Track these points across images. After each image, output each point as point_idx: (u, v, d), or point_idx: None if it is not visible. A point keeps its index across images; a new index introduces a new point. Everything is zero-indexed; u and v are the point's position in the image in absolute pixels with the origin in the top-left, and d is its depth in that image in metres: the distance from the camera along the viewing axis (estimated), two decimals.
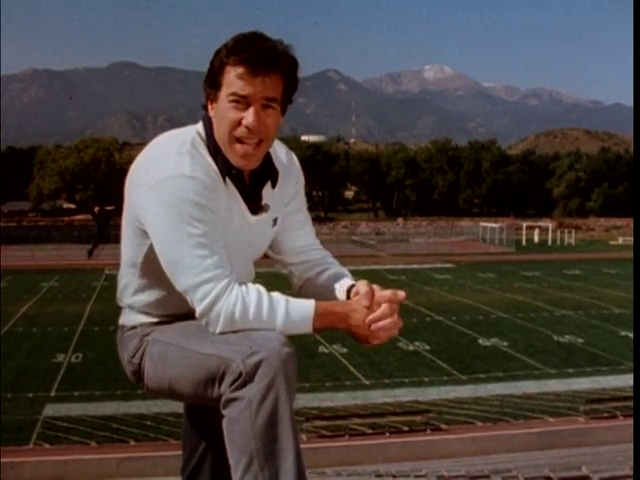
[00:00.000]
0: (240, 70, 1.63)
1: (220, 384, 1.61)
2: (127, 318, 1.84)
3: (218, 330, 1.64)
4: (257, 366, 1.56)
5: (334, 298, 1.82)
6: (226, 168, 1.71)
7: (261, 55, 1.62)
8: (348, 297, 1.79)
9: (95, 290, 33.84)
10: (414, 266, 44.78)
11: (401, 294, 1.73)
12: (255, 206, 1.78)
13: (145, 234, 1.70)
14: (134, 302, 1.82)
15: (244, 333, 1.62)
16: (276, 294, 1.67)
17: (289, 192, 1.89)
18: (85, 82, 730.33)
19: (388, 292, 1.73)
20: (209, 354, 1.63)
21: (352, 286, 1.79)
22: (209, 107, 1.72)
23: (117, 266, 1.90)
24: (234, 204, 1.74)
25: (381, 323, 1.69)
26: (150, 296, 1.80)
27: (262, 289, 1.67)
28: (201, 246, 1.62)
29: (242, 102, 1.64)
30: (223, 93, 1.66)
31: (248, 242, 1.81)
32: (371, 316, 1.70)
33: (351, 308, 1.70)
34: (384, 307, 1.70)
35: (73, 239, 60.68)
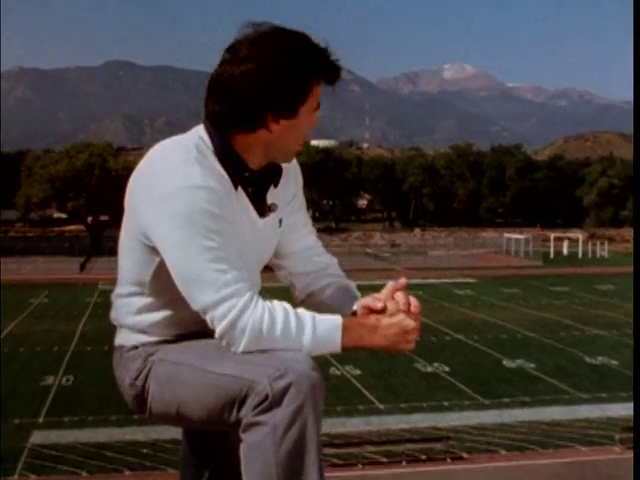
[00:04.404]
0: (324, 81, 1.71)
1: (240, 407, 1.61)
2: (126, 337, 1.83)
3: (241, 348, 1.63)
4: (285, 390, 1.55)
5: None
6: (239, 172, 1.73)
7: (338, 67, 1.71)
8: None
9: (88, 307, 33.91)
10: (432, 280, 44.65)
11: (401, 281, 1.78)
12: (262, 208, 1.79)
13: (153, 250, 1.70)
14: (136, 322, 1.81)
15: (269, 353, 1.62)
16: (301, 310, 1.67)
17: (290, 191, 1.90)
18: (77, 82, 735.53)
19: (388, 286, 1.77)
20: (229, 374, 1.63)
21: (355, 312, 1.80)
22: (272, 124, 1.69)
23: (112, 281, 1.91)
24: (244, 209, 1.75)
25: (413, 304, 1.72)
26: (155, 316, 1.80)
27: (287, 304, 1.67)
28: (219, 260, 1.62)
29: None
30: (307, 106, 1.70)
31: (257, 248, 1.82)
32: (400, 302, 1.72)
33: (377, 316, 1.71)
34: (398, 295, 1.74)
35: (64, 251, 60.92)
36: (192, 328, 1.77)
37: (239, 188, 1.73)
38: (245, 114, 1.67)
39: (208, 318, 1.64)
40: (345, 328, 1.66)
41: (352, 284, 1.94)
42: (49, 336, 27.38)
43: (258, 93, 1.64)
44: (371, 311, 1.74)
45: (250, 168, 1.74)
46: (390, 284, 1.77)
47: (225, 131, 1.72)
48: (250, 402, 1.58)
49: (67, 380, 21.33)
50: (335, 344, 1.65)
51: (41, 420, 17.56)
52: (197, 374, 1.69)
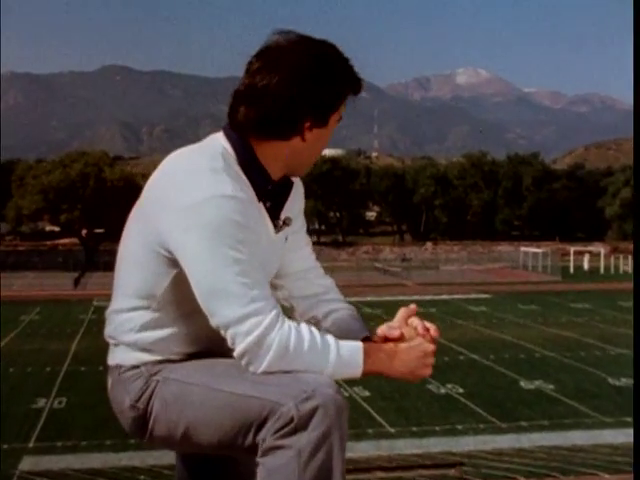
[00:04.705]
0: (351, 92, 1.79)
1: (258, 430, 1.62)
2: (125, 356, 1.82)
3: (263, 368, 1.64)
4: (312, 413, 1.57)
5: None
6: (263, 183, 1.77)
7: (361, 78, 1.80)
8: None
9: (82, 324, 33.91)
10: (445, 297, 44.57)
11: (412, 306, 1.84)
12: (277, 222, 1.84)
13: (171, 262, 1.71)
14: (138, 339, 1.80)
15: (292, 375, 1.64)
16: (324, 332, 1.71)
17: (297, 207, 1.95)
18: (71, 88, 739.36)
19: (400, 313, 1.83)
20: (249, 395, 1.64)
21: (366, 338, 1.82)
22: (307, 132, 1.75)
23: (107, 297, 1.90)
24: (263, 223, 1.79)
25: (431, 329, 1.78)
26: (160, 332, 1.80)
27: (311, 325, 1.70)
28: (247, 274, 1.64)
29: None
30: (336, 116, 1.78)
31: (270, 264, 1.86)
32: (418, 327, 1.78)
33: (394, 343, 1.76)
34: (412, 321, 1.80)
35: (57, 266, 61.06)
36: (198, 346, 1.79)
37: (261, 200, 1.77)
38: (283, 121, 1.72)
39: (230, 334, 1.65)
40: (366, 353, 1.69)
41: (355, 311, 1.98)
42: (41, 355, 27.36)
43: (299, 100, 1.70)
44: (387, 339, 1.78)
45: (272, 179, 1.78)
46: (401, 311, 1.82)
47: (251, 139, 1.76)
48: (272, 424, 1.60)
49: (59, 402, 21.31)
50: (357, 368, 1.69)
51: (31, 445, 17.52)
52: (210, 394, 1.70)
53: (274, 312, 1.64)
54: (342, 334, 1.83)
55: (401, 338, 1.76)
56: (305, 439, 1.56)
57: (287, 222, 1.86)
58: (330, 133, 1.81)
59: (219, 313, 1.65)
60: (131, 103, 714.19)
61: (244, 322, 1.62)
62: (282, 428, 1.58)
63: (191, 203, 1.63)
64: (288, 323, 1.65)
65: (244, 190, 1.70)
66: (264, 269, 1.76)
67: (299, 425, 1.57)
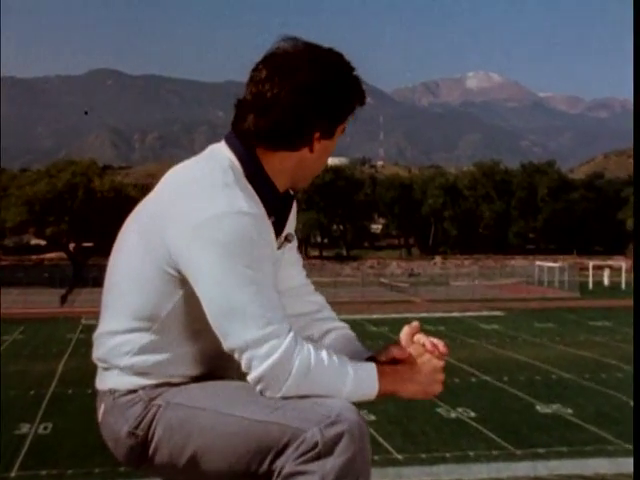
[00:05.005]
0: (359, 105, 1.84)
1: (277, 457, 1.63)
2: (120, 380, 1.81)
3: (282, 393, 1.65)
4: (338, 439, 1.59)
5: None
6: (272, 197, 1.79)
7: (364, 90, 1.85)
8: None
9: (69, 344, 33.88)
10: (455, 314, 44.54)
11: (415, 324, 1.87)
12: (280, 238, 1.87)
13: (178, 282, 1.71)
14: (136, 362, 1.79)
15: (311, 399, 1.65)
16: (339, 353, 1.73)
17: (293, 223, 1.98)
18: (58, 93, 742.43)
19: (404, 332, 1.86)
20: (268, 421, 1.64)
21: (370, 358, 1.85)
22: (316, 143, 1.79)
23: (97, 314, 1.89)
24: (272, 240, 1.81)
25: (441, 346, 1.82)
26: (161, 355, 1.79)
27: (327, 348, 1.72)
28: (264, 293, 1.65)
29: None
30: (342, 127, 1.84)
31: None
32: (426, 343, 1.82)
33: (408, 361, 1.80)
34: (418, 338, 1.83)
35: (43, 282, 61.10)
36: (201, 369, 1.81)
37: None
38: (294, 131, 1.75)
39: (246, 358, 1.65)
40: (380, 373, 1.72)
41: (352, 333, 2.02)
42: (25, 378, 27.33)
43: (310, 110, 1.74)
44: (393, 359, 1.81)
45: (280, 193, 1.81)
46: (405, 329, 1.85)
47: (258, 150, 1.78)
48: (293, 450, 1.61)
49: (45, 428, 21.26)
50: (373, 390, 1.71)
51: (14, 474, 17.46)
52: (220, 419, 1.70)
53: (292, 334, 1.65)
54: (344, 355, 1.85)
55: (409, 357, 1.80)
56: (330, 465, 1.58)
57: (289, 238, 1.90)
58: (335, 145, 1.85)
59: (234, 335, 1.65)
60: (122, 109, 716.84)
61: (262, 345, 1.63)
62: (305, 453, 1.60)
63: (205, 219, 1.63)
64: (307, 345, 1.66)
65: (259, 206, 1.72)
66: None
67: (324, 451, 1.59)
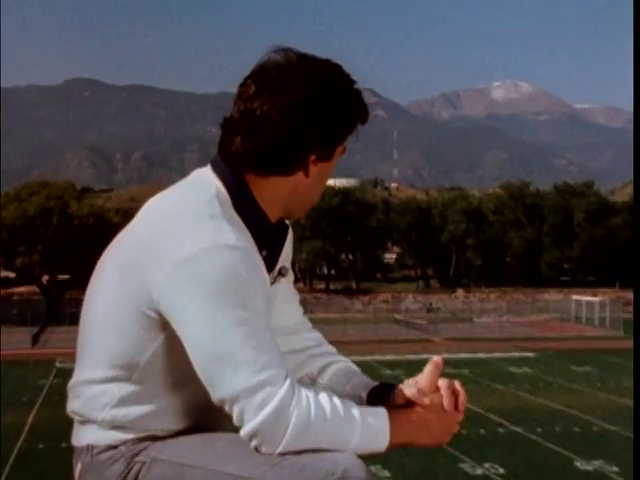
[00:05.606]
0: (360, 122, 1.83)
1: None
2: (99, 435, 1.80)
3: (280, 449, 1.63)
4: None
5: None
6: (264, 229, 1.79)
7: (366, 104, 1.85)
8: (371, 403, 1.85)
9: (42, 391, 33.83)
10: (481, 355, 44.41)
11: (436, 359, 1.81)
12: (273, 273, 1.86)
13: (159, 325, 1.71)
14: (116, 415, 1.79)
15: (314, 454, 1.63)
16: (344, 399, 1.71)
17: (289, 254, 1.98)
18: (31, 105, 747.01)
19: (426, 371, 1.81)
20: None
21: (375, 389, 1.87)
22: (311, 167, 1.78)
23: (73, 356, 1.89)
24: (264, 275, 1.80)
25: (461, 395, 1.78)
26: (144, 407, 1.79)
27: (330, 393, 1.70)
28: (255, 336, 1.64)
29: None
30: (341, 148, 1.83)
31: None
32: (445, 396, 1.77)
33: (420, 409, 1.76)
34: (442, 387, 1.78)
35: (12, 319, 61.02)
36: (188, 421, 1.79)
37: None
38: (287, 154, 1.74)
39: (237, 409, 1.63)
40: (392, 421, 1.70)
41: (353, 365, 2.02)
42: None
43: (305, 130, 1.73)
44: (408, 400, 1.79)
45: (272, 224, 1.81)
46: (428, 368, 1.80)
47: (247, 176, 1.77)
48: None
49: None
50: (383, 441, 1.69)
51: None
52: (212, 477, 1.69)
53: (289, 381, 1.64)
54: (344, 389, 1.90)
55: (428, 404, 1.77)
56: None
57: (283, 273, 1.89)
58: (333, 167, 1.84)
59: (223, 384, 1.63)
60: (102, 124, 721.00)
61: (255, 394, 1.61)
62: None
63: (188, 256, 1.63)
64: (305, 392, 1.64)
65: (249, 239, 1.72)
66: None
67: None
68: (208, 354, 1.64)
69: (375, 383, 1.89)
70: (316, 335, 2.06)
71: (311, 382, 1.97)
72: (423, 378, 1.79)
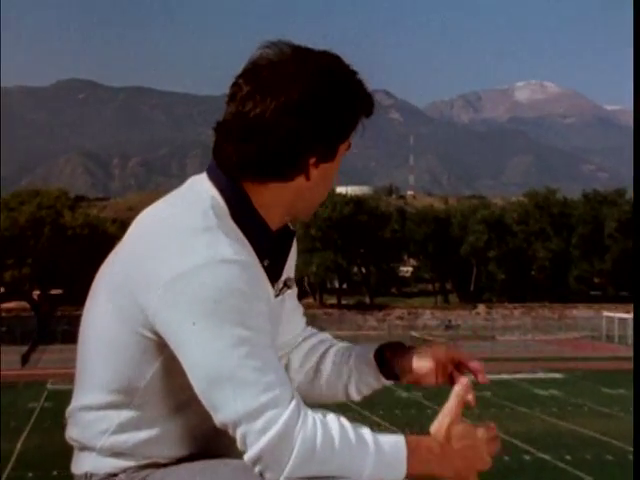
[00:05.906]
0: (364, 116, 1.82)
1: None
2: (98, 463, 1.81)
3: (285, 475, 1.62)
4: None
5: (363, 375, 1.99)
6: (264, 239, 1.79)
7: (371, 94, 1.83)
8: (380, 365, 1.97)
9: (32, 415, 33.84)
10: (504, 376, 44.27)
11: (463, 382, 1.90)
12: (277, 284, 1.86)
13: (158, 347, 1.71)
14: (115, 442, 1.80)
15: None
16: (358, 424, 1.69)
17: (294, 264, 1.99)
18: (20, 108, 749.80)
19: (456, 396, 1.85)
20: None
21: (380, 351, 1.96)
22: (312, 170, 1.77)
23: (66, 377, 1.89)
24: (266, 288, 1.80)
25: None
26: (144, 434, 1.80)
27: (339, 416, 1.69)
28: (257, 355, 1.64)
29: None
30: (345, 145, 1.81)
31: (275, 337, 1.87)
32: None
33: (444, 439, 1.75)
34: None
35: (0, 337, 61.23)
36: (190, 447, 1.80)
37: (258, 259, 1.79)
38: (284, 158, 1.73)
39: (240, 433, 1.63)
40: (410, 450, 1.68)
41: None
42: None
43: (302, 131, 1.71)
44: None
45: (272, 233, 1.80)
46: (456, 390, 1.86)
47: (245, 183, 1.77)
48: None
49: None
50: (400, 471, 1.67)
51: None
52: None
53: (294, 402, 1.63)
54: (348, 363, 2.00)
55: (448, 430, 1.76)
56: None
57: (289, 284, 1.89)
58: (338, 166, 1.83)
59: (225, 407, 1.63)
60: (98, 128, 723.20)
61: (258, 417, 1.61)
62: None
63: (183, 271, 1.62)
64: (312, 415, 1.63)
65: (248, 252, 1.72)
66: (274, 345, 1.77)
67: None
68: (206, 377, 1.64)
69: (375, 346, 1.97)
70: (324, 336, 2.11)
71: (315, 372, 2.02)
72: (451, 402, 1.82)
